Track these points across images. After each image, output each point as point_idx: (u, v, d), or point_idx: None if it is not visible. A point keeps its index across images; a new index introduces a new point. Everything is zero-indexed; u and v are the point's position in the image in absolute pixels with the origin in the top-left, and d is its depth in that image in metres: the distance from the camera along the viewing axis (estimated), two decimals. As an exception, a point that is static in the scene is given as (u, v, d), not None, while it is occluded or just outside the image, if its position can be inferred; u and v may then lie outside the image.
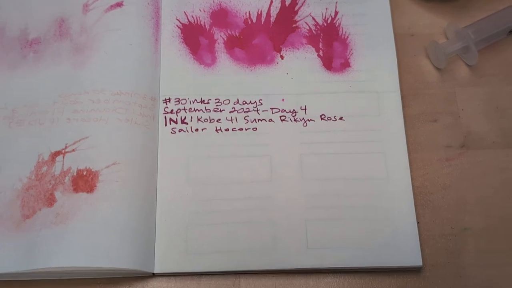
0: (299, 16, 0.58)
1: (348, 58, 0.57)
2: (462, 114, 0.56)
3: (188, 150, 0.53)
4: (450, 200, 0.52)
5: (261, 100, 0.55)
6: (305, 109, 0.55)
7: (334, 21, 0.58)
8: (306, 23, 0.58)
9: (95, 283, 0.49)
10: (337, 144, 0.53)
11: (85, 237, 0.47)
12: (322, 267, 0.49)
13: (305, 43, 0.57)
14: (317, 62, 0.57)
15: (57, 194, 0.49)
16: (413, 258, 0.49)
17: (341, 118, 0.54)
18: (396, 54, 0.57)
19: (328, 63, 0.57)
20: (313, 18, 0.58)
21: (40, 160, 0.50)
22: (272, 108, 0.55)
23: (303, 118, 0.54)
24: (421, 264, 0.49)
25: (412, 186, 0.52)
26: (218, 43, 0.57)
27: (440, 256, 0.50)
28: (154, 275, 0.49)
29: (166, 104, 0.54)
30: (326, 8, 0.59)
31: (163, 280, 0.50)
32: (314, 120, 0.54)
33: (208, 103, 0.55)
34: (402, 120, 0.54)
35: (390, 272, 0.50)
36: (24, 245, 0.47)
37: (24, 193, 0.49)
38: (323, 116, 0.54)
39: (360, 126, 0.54)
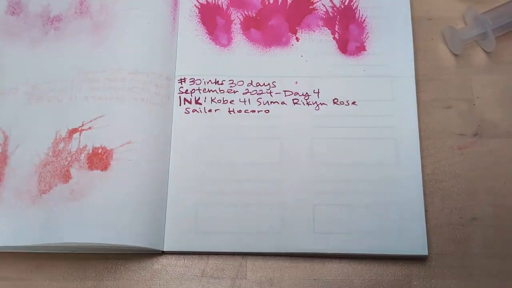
0: (316, -2, 0.59)
1: (364, 42, 0.57)
2: (477, 101, 0.56)
3: (201, 131, 0.54)
4: (460, 189, 0.53)
5: (275, 82, 0.56)
6: (318, 92, 0.55)
7: (352, 3, 0.58)
8: (323, 4, 0.58)
9: (106, 258, 0.52)
10: (349, 129, 0.54)
11: (98, 214, 0.50)
12: (327, 252, 0.51)
13: (321, 25, 0.58)
14: (333, 45, 0.57)
15: (73, 171, 0.51)
16: (419, 247, 0.50)
17: (353, 103, 0.55)
18: (412, 38, 0.57)
19: (344, 46, 0.57)
20: (330, 0, 0.58)
21: (57, 137, 0.52)
22: (285, 91, 0.55)
23: (315, 102, 0.55)
24: (427, 253, 0.50)
25: (422, 173, 0.53)
26: (235, 24, 0.58)
27: (447, 246, 0.51)
28: (163, 253, 0.51)
29: (181, 84, 0.56)
30: (344, -10, 0.59)
31: (172, 258, 0.52)
32: (326, 104, 0.55)
33: (222, 84, 0.56)
34: (416, 106, 0.55)
35: (395, 259, 0.51)
36: (40, 219, 0.50)
37: (41, 169, 0.52)
38: (335, 100, 0.55)
39: (373, 111, 0.55)
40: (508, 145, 0.54)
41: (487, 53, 0.58)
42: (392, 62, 0.56)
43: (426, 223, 0.51)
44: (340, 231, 0.51)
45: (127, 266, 0.51)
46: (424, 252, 0.50)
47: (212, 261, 0.51)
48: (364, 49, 0.57)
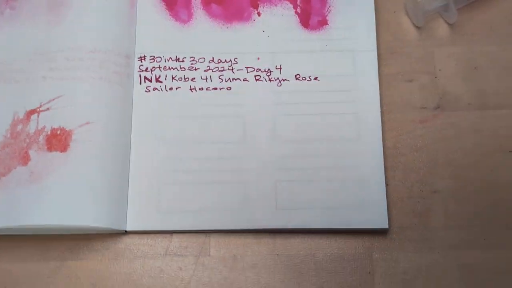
0: (278, -29, 0.58)
1: (326, 15, 0.57)
2: (439, 74, 0.56)
3: (162, 109, 0.54)
4: (421, 163, 0.54)
5: (236, 58, 0.56)
6: (280, 68, 0.55)
7: (314, -23, 0.58)
8: (285, -22, 0.58)
9: (68, 239, 0.52)
10: (311, 105, 0.54)
11: (58, 195, 0.50)
12: (289, 227, 0.51)
13: None
14: (294, 19, 0.57)
15: (32, 153, 0.51)
16: (380, 220, 0.51)
17: (316, 78, 0.55)
18: (375, 11, 0.57)
19: (305, 21, 0.57)
20: (292, -27, 0.58)
21: (15, 119, 0.52)
22: (247, 67, 0.55)
23: (277, 78, 0.55)
24: (387, 227, 0.51)
25: (384, 147, 0.53)
26: (195, -1, 0.57)
27: (407, 219, 0.52)
28: (126, 232, 0.52)
29: (141, 62, 0.55)
30: (306, -37, 0.59)
31: (135, 237, 0.52)
32: (288, 80, 0.55)
33: (183, 61, 0.55)
34: (377, 80, 0.55)
35: (356, 233, 0.52)
36: (0, 202, 0.50)
37: (0, 151, 0.51)
38: (298, 76, 0.55)
39: (335, 87, 0.55)
40: (469, 117, 0.55)
41: (450, 25, 0.58)
42: (354, 36, 0.56)
43: (387, 196, 0.52)
44: (302, 207, 0.51)
45: (90, 246, 0.52)
46: (385, 225, 0.51)
47: (176, 239, 0.52)
48: (326, 23, 0.57)
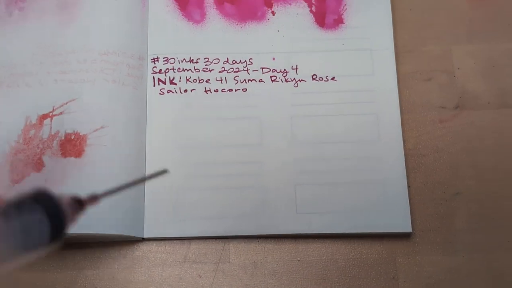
0: (292, -31, 0.58)
1: (342, 14, 0.57)
2: (457, 73, 0.56)
3: (177, 112, 0.54)
4: (443, 164, 0.54)
5: (251, 59, 0.56)
6: (296, 68, 0.55)
7: (329, -26, 0.58)
8: (299, -24, 0.58)
9: (84, 247, 0.52)
10: (329, 106, 0.55)
11: (74, 202, 0.49)
12: (310, 232, 0.51)
13: (298, -2, 0.57)
14: (309, 18, 0.57)
15: (45, 159, 0.51)
16: (403, 224, 0.51)
17: (333, 78, 0.55)
18: (391, 8, 0.57)
19: (321, 20, 0.57)
20: (306, -29, 0.58)
21: (28, 123, 0.52)
22: (262, 68, 0.55)
23: (294, 79, 0.55)
24: (411, 230, 0.51)
25: (404, 148, 0.54)
26: (208, -2, 0.57)
27: (430, 222, 0.52)
28: (143, 240, 0.51)
29: (155, 63, 0.55)
30: (320, -40, 0.59)
31: (153, 244, 0.52)
32: (305, 81, 0.55)
33: (197, 62, 0.55)
34: (396, 79, 0.55)
35: (379, 237, 0.52)
36: (13, 210, 0.49)
37: (12, 157, 0.51)
38: (314, 76, 0.55)
39: (353, 87, 0.55)
40: (490, 116, 0.55)
41: (468, 23, 0.58)
42: (371, 34, 0.57)
43: (409, 199, 0.52)
44: (323, 211, 0.52)
45: (106, 254, 0.52)
46: (408, 229, 0.51)
47: (194, 246, 0.52)
48: (342, 22, 0.57)
